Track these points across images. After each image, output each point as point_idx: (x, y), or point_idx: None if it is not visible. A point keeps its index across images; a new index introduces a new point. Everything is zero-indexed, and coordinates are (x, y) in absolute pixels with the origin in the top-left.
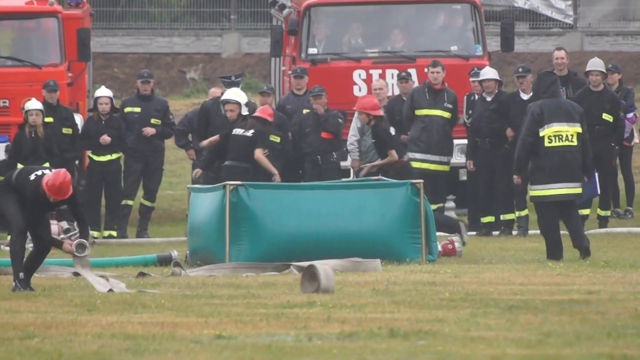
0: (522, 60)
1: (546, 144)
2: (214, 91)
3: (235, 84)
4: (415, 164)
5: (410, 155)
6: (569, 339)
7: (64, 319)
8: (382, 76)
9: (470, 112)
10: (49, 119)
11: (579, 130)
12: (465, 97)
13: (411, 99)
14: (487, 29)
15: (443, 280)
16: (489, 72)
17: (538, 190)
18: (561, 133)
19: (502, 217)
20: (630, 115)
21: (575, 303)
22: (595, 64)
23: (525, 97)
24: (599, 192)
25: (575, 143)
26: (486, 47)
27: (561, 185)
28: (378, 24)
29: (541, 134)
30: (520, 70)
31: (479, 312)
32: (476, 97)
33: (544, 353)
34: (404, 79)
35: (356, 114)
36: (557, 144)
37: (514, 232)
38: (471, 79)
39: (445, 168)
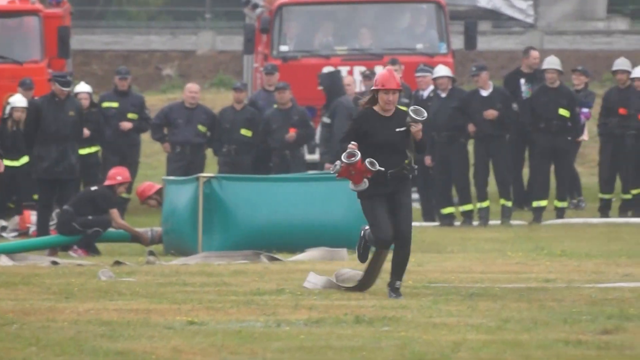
0: (484, 58)
1: None
2: (190, 86)
3: (68, 84)
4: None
5: None
6: (527, 325)
7: (42, 306)
8: (351, 73)
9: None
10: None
11: None
12: (413, 93)
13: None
14: (451, 28)
15: (407, 268)
16: (442, 70)
17: None
18: None
19: (460, 208)
20: (585, 110)
21: (533, 291)
22: (552, 62)
23: (484, 93)
24: None
25: None
26: (450, 45)
27: None
28: (347, 23)
29: None
30: (474, 69)
31: (441, 300)
32: (423, 93)
33: (503, 338)
34: (367, 77)
35: None
36: None
37: (475, 223)
38: (416, 75)
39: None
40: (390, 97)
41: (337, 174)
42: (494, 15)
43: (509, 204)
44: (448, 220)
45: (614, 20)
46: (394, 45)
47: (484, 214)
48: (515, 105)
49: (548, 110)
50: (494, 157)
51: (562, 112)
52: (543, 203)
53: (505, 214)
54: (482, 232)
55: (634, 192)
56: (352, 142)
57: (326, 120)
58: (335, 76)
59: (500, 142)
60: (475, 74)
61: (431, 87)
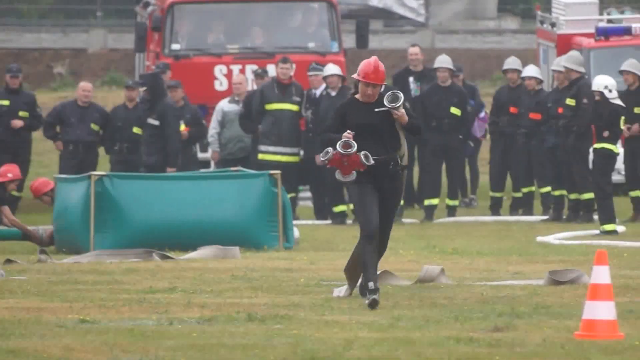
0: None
1: None
2: (84, 85)
3: None
4: (267, 157)
5: (263, 148)
6: (419, 322)
7: None
8: (242, 71)
9: (307, 105)
10: None
11: None
12: (305, 92)
13: (261, 94)
14: (342, 27)
15: (299, 267)
16: (332, 69)
17: None
18: None
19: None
20: (482, 115)
21: (425, 288)
22: (443, 61)
23: None
24: None
25: None
26: (342, 44)
27: None
28: (239, 21)
29: None
30: None
31: (333, 298)
32: (315, 92)
33: (395, 336)
34: (259, 75)
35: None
36: None
37: None
38: (309, 74)
39: (296, 159)
40: (369, 90)
41: (327, 162)
42: (385, 14)
43: (401, 202)
44: (340, 218)
45: (505, 20)
46: (285, 43)
47: None
48: (407, 104)
49: (440, 109)
50: None
51: (454, 110)
52: (434, 201)
53: (397, 212)
54: None
55: (525, 190)
56: (349, 131)
57: (154, 122)
58: (157, 77)
59: None
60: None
61: (324, 86)
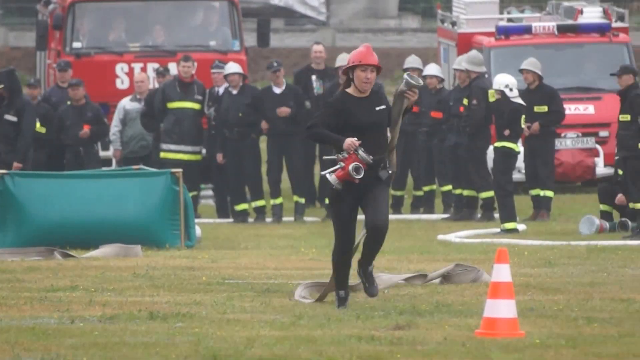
0: (277, 55)
1: None
2: None
3: None
4: (169, 155)
5: (164, 146)
6: (320, 321)
7: None
8: (144, 70)
9: (210, 103)
10: None
11: None
12: (207, 90)
13: (162, 92)
14: (244, 25)
15: (201, 265)
16: (233, 67)
17: None
18: None
19: (253, 204)
20: None
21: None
22: (344, 60)
23: (277, 90)
24: None
25: None
26: (243, 42)
27: None
28: (140, 20)
29: None
30: (275, 65)
31: (235, 296)
32: (218, 90)
33: (296, 334)
34: (161, 73)
35: None
36: None
37: (268, 219)
38: (212, 72)
39: (198, 157)
40: (368, 74)
41: (359, 177)
42: (286, 13)
43: (302, 200)
44: (242, 216)
45: (405, 18)
46: (187, 42)
47: (277, 211)
48: (308, 103)
49: None
50: (287, 154)
51: None
52: None
53: (299, 211)
54: (275, 229)
55: (426, 188)
56: (352, 139)
57: (11, 118)
58: (12, 74)
59: (293, 139)
60: (276, 69)
61: (226, 84)
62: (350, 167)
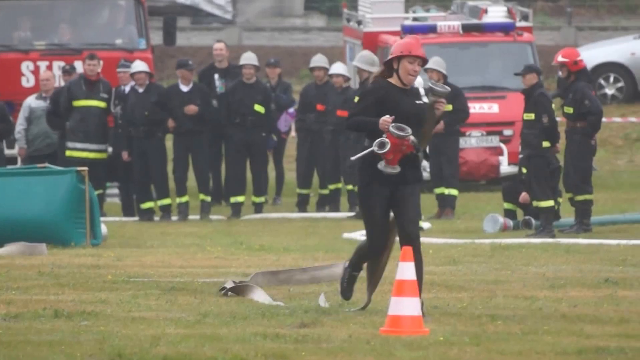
0: (183, 53)
1: None
2: None
3: None
4: (75, 153)
5: (70, 144)
6: (225, 319)
7: None
8: (50, 68)
9: (116, 102)
10: None
11: None
12: (114, 89)
13: (68, 90)
14: (150, 24)
15: (106, 263)
16: (139, 65)
17: None
18: None
19: (159, 202)
20: (291, 110)
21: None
22: (248, 58)
23: (185, 88)
24: None
25: None
26: (150, 40)
27: None
28: (46, 18)
29: None
30: (183, 63)
31: (140, 294)
32: (124, 88)
33: (202, 332)
34: (67, 72)
35: None
36: None
37: (174, 218)
38: (118, 71)
39: (104, 156)
40: (415, 66)
41: (385, 153)
42: (193, 11)
43: (208, 199)
44: (147, 215)
45: (311, 17)
46: (93, 40)
47: (183, 209)
48: (214, 101)
49: (243, 106)
50: (193, 152)
51: (258, 108)
52: (240, 198)
53: (204, 209)
54: (181, 227)
55: (331, 187)
56: (388, 116)
57: None
58: None
59: (199, 138)
60: (192, 68)
61: (132, 83)
62: (376, 142)
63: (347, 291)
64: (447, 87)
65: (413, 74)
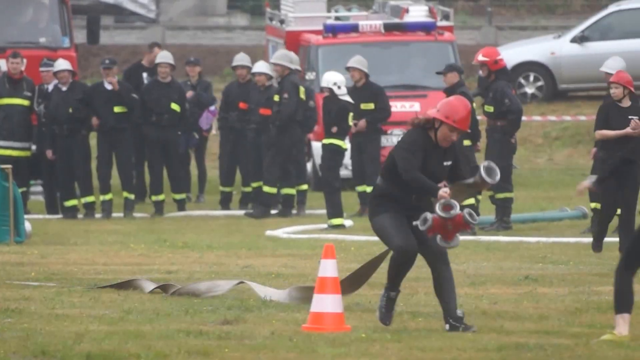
0: (107, 52)
1: None
2: None
3: None
4: None
5: None
6: (149, 316)
7: None
8: None
9: (39, 100)
10: None
11: None
12: (36, 87)
13: None
14: (74, 22)
15: (30, 260)
16: (63, 64)
17: None
18: None
19: (82, 200)
20: (212, 108)
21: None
22: (164, 57)
23: (109, 87)
24: None
25: None
26: (73, 39)
27: None
28: None
29: None
30: (107, 62)
31: (64, 291)
32: (47, 87)
33: (125, 329)
34: None
35: None
36: None
37: (98, 215)
38: (41, 70)
39: (27, 153)
40: (454, 136)
41: (427, 230)
42: (116, 10)
43: (132, 196)
44: (71, 212)
45: (234, 16)
46: (16, 38)
47: (107, 207)
48: (135, 96)
49: (160, 105)
50: (117, 150)
51: (174, 106)
52: (161, 197)
53: (128, 207)
54: (105, 225)
55: (254, 185)
56: (445, 187)
57: None
58: None
59: (123, 136)
60: (108, 66)
61: (55, 81)
62: (465, 213)
63: (386, 318)
64: (497, 177)
65: (450, 140)
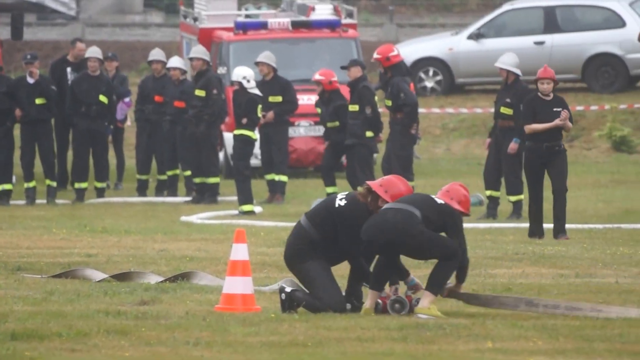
0: (30, 47)
1: None
2: None
3: None
4: None
5: None
6: (70, 296)
7: None
8: None
9: None
10: None
11: None
12: None
13: None
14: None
15: None
16: None
17: None
18: None
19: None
20: (127, 99)
21: (75, 264)
22: (93, 52)
23: (31, 80)
24: None
25: None
26: None
27: None
28: None
29: None
30: (29, 57)
31: None
32: None
33: (48, 309)
34: None
35: None
36: None
37: (21, 202)
38: None
39: None
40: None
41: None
42: (38, 8)
43: (54, 184)
44: (6, 198)
45: (150, 14)
46: None
47: (31, 194)
48: (53, 87)
49: (89, 96)
50: (39, 141)
51: (102, 98)
52: (84, 185)
53: (51, 194)
54: (29, 211)
55: (169, 173)
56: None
57: None
58: None
59: (45, 126)
60: (29, 61)
61: None
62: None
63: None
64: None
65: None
